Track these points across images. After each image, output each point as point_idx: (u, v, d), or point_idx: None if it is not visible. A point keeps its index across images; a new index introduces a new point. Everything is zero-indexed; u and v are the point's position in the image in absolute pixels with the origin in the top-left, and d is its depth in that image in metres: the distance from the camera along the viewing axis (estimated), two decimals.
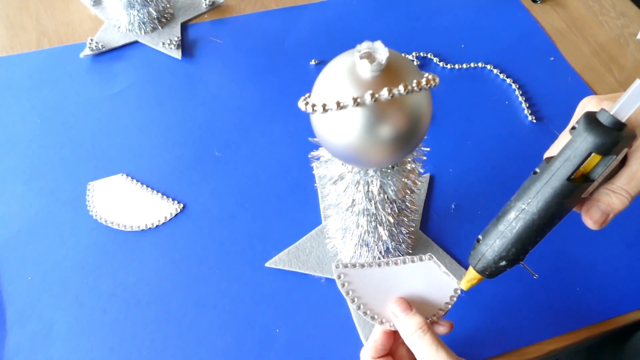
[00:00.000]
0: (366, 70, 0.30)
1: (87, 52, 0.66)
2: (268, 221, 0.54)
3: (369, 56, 0.30)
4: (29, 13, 0.72)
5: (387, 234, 0.42)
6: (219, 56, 0.68)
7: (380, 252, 0.46)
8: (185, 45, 0.69)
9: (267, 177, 0.57)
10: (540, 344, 0.48)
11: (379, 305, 0.39)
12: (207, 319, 0.48)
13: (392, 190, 0.37)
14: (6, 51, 0.68)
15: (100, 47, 0.66)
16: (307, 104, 0.31)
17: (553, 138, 0.62)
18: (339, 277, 0.38)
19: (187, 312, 0.48)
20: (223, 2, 0.74)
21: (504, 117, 0.63)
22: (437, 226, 0.54)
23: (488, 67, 0.67)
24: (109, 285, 0.50)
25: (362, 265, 0.38)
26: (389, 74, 0.30)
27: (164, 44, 0.68)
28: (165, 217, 0.54)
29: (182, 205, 0.55)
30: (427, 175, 0.57)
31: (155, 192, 0.56)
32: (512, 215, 0.33)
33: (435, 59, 0.68)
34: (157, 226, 0.53)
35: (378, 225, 0.41)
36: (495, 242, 0.34)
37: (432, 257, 0.38)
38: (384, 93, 0.29)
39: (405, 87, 0.29)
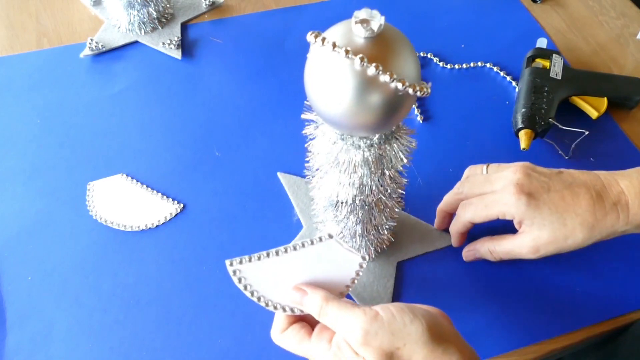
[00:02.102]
0: (360, 34, 0.31)
1: (87, 52, 0.66)
2: (268, 221, 0.54)
3: (365, 22, 0.31)
4: (29, 13, 0.72)
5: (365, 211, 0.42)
6: (219, 56, 0.68)
7: (357, 234, 0.46)
8: (185, 45, 0.69)
9: (267, 177, 0.57)
10: (540, 344, 0.48)
11: (282, 294, 0.38)
12: (207, 319, 0.48)
13: (374, 163, 0.38)
14: (6, 51, 0.68)
15: (100, 47, 0.66)
16: (313, 35, 0.32)
17: (553, 138, 0.62)
18: (234, 273, 0.37)
19: (187, 312, 0.48)
20: (223, 2, 0.74)
21: (504, 117, 0.63)
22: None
23: (488, 65, 0.67)
24: (109, 285, 0.50)
25: (258, 258, 0.37)
26: (381, 43, 0.31)
27: (164, 44, 0.68)
28: (165, 217, 0.54)
29: (182, 205, 0.55)
30: None
31: (155, 192, 0.56)
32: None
33: (435, 59, 0.68)
34: (157, 226, 0.53)
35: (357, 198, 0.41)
36: (517, 105, 0.61)
37: (333, 236, 0.37)
38: (372, 69, 0.30)
39: (391, 75, 0.30)
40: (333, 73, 0.32)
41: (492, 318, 0.48)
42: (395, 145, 0.37)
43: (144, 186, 0.56)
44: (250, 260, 0.37)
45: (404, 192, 0.45)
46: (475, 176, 0.48)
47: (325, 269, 0.38)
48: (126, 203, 0.55)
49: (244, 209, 0.55)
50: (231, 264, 0.37)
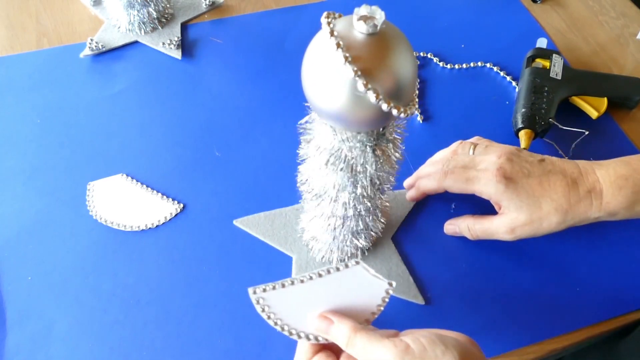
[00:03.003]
0: (360, 30, 0.31)
1: (87, 52, 0.66)
2: None
3: (367, 19, 0.31)
4: (29, 13, 0.72)
5: (350, 207, 0.42)
6: (219, 56, 0.68)
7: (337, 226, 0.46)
8: (185, 45, 0.69)
9: (268, 177, 0.57)
10: (540, 344, 0.48)
11: (306, 322, 0.37)
12: (207, 319, 0.48)
13: (365, 165, 0.38)
14: (6, 51, 0.68)
15: (100, 47, 0.66)
16: (327, 21, 0.32)
17: (553, 138, 0.62)
18: (258, 302, 0.36)
19: (187, 312, 0.48)
20: (223, 2, 0.74)
21: (504, 117, 0.63)
22: (415, 235, 0.54)
23: (488, 65, 0.67)
24: (109, 285, 0.50)
25: (282, 285, 0.36)
26: (380, 41, 0.31)
27: (164, 44, 0.68)
28: (165, 217, 0.54)
29: (182, 205, 0.55)
30: None
31: (155, 192, 0.56)
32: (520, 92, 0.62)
33: (435, 59, 0.68)
34: (157, 226, 0.53)
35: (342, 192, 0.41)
36: (517, 105, 0.61)
37: (360, 262, 0.36)
38: (360, 85, 0.30)
39: (377, 96, 0.31)
40: (329, 66, 0.32)
41: (492, 318, 0.48)
42: (378, 149, 0.37)
43: (144, 186, 0.56)
44: (274, 288, 0.36)
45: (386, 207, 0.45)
46: (461, 156, 0.50)
47: (351, 295, 0.37)
48: (126, 203, 0.55)
49: (244, 209, 0.55)
50: (254, 292, 0.36)
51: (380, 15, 0.31)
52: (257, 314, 0.48)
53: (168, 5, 0.71)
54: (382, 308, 0.38)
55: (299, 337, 0.37)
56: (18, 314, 0.48)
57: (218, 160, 0.58)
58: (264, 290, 0.36)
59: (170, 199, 0.55)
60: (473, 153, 0.50)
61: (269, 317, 0.37)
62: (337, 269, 0.36)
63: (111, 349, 0.46)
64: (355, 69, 0.30)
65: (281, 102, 0.63)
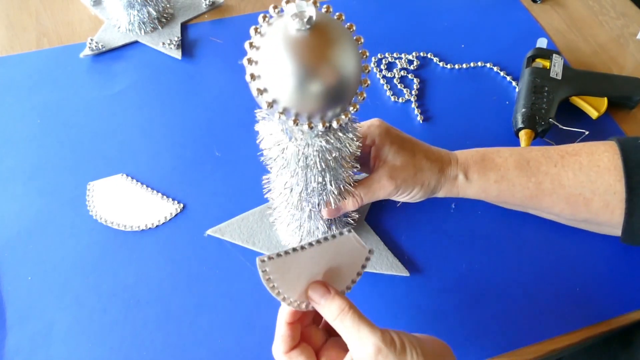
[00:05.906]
0: (293, 27, 0.31)
1: (87, 52, 0.66)
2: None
3: (301, 15, 0.30)
4: (29, 13, 0.72)
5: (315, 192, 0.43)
6: (219, 56, 0.68)
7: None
8: (185, 45, 0.69)
9: None
10: (540, 344, 0.48)
11: (299, 290, 0.38)
12: (207, 319, 0.48)
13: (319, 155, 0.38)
14: (6, 51, 0.68)
15: (100, 47, 0.66)
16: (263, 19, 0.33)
17: (553, 138, 0.62)
18: (264, 271, 0.37)
19: (187, 312, 0.48)
20: (223, 2, 0.74)
21: (504, 117, 0.63)
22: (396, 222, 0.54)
23: (488, 65, 0.67)
24: (109, 285, 0.50)
25: (287, 253, 0.37)
26: (316, 35, 0.31)
27: (164, 44, 0.68)
28: (165, 217, 0.54)
29: (182, 205, 0.55)
30: None
31: (155, 192, 0.56)
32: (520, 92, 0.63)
33: (435, 59, 0.68)
34: (157, 226, 0.53)
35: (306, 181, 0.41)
36: (517, 105, 0.62)
37: (352, 231, 0.38)
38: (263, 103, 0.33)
39: (310, 125, 0.33)
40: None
41: (492, 318, 0.48)
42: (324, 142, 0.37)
43: (144, 186, 0.56)
44: (280, 256, 0.37)
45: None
46: None
47: (338, 262, 0.38)
48: (126, 203, 0.55)
49: (243, 209, 0.55)
50: (263, 261, 0.36)
51: (309, 11, 0.30)
52: (256, 315, 0.48)
53: (168, 5, 0.71)
54: (361, 275, 0.40)
55: (291, 303, 0.38)
56: (18, 314, 0.48)
57: (218, 160, 0.58)
58: (271, 258, 0.36)
59: (170, 199, 0.55)
60: None
61: (273, 287, 0.37)
62: (333, 237, 0.37)
63: (111, 349, 0.46)
64: (260, 88, 0.34)
65: None
